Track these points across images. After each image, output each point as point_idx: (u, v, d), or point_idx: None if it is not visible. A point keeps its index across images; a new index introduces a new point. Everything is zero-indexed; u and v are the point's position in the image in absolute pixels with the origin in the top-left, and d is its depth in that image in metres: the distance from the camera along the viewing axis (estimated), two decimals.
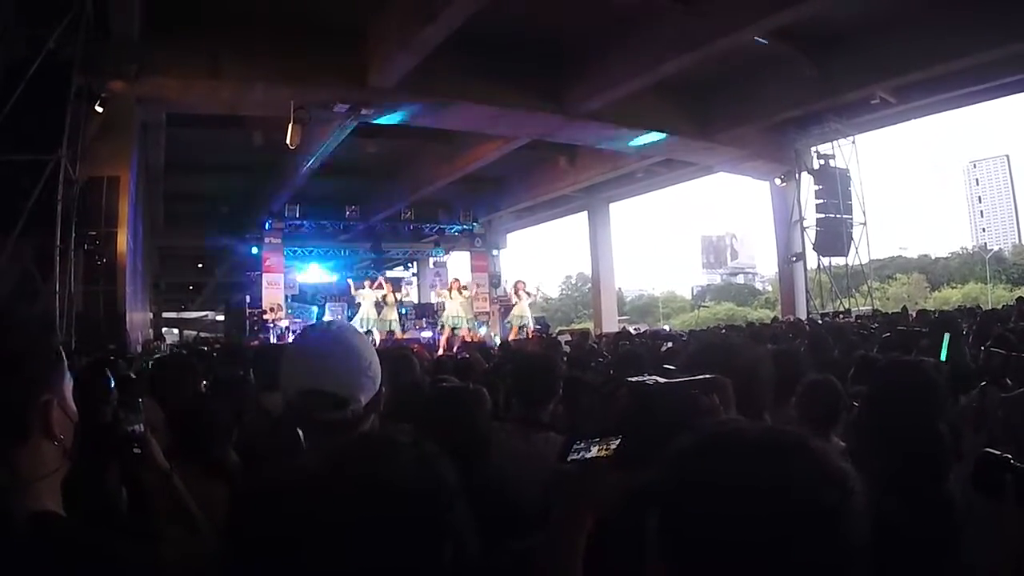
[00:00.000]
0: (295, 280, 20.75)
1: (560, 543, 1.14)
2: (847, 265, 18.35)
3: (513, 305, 18.05)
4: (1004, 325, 6.93)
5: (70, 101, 8.67)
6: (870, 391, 2.18)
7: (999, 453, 1.51)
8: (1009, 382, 3.15)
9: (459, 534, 0.97)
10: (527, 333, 16.75)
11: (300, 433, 1.43)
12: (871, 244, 18.85)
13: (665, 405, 1.12)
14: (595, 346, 9.72)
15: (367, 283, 17.69)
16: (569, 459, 1.13)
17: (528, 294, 17.88)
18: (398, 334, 17.18)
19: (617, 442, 1.08)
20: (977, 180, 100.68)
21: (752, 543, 0.72)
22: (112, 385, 2.98)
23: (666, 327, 34.46)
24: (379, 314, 16.79)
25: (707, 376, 1.20)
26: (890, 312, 14.90)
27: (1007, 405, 2.22)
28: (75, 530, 0.98)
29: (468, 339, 15.41)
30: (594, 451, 1.10)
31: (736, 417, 1.07)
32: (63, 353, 1.07)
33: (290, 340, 15.37)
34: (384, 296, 17.22)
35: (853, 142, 17.77)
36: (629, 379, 1.19)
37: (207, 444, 2.52)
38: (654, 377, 1.19)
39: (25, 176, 8.34)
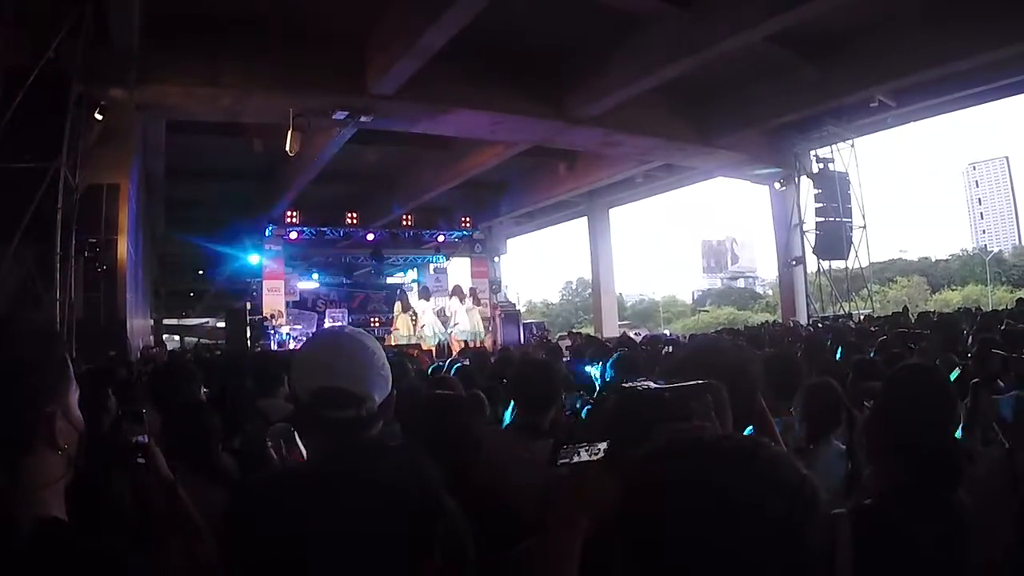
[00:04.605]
0: (296, 286, 20.74)
1: (555, 545, 1.15)
2: (847, 268, 18.34)
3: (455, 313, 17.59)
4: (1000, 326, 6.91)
5: (70, 109, 8.66)
6: (881, 396, 2.16)
7: None
8: (1001, 383, 3.15)
9: (448, 541, 0.98)
10: (477, 343, 16.55)
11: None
12: (871, 247, 18.92)
13: (653, 410, 1.13)
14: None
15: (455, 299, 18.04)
16: (559, 463, 1.14)
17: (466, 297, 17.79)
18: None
19: (605, 446, 1.10)
20: (977, 182, 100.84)
21: (700, 546, 0.74)
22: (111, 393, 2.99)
23: (666, 332, 34.55)
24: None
25: (701, 381, 1.20)
26: (891, 313, 14.88)
27: (1001, 406, 2.22)
28: (79, 535, 0.99)
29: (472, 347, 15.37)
30: (584, 455, 1.11)
31: (702, 424, 1.09)
32: (69, 362, 1.08)
33: (291, 347, 15.40)
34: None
35: (852, 145, 17.78)
36: (623, 384, 1.21)
37: (205, 451, 2.53)
38: (647, 382, 1.20)
39: (25, 184, 8.33)
